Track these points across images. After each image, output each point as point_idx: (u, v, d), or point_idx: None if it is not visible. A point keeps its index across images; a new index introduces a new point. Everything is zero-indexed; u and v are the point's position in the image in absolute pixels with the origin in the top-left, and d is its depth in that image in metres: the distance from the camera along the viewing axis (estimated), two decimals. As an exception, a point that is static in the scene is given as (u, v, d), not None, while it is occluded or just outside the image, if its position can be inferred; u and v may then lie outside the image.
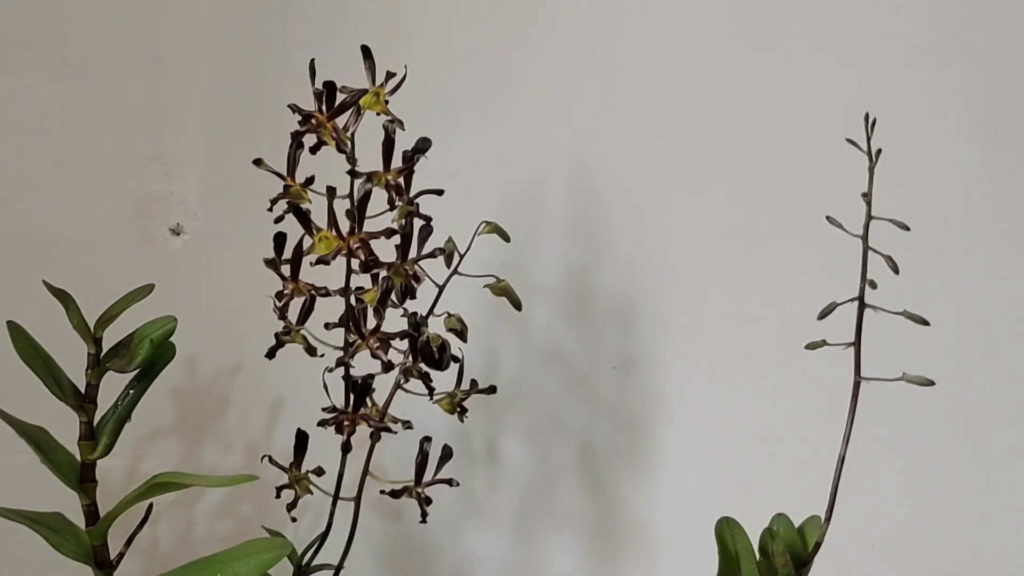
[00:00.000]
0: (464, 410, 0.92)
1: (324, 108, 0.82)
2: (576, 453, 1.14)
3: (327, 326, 0.89)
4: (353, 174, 0.83)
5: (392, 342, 0.84)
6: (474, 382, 0.92)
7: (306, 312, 0.89)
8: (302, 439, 0.92)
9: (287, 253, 0.87)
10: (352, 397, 0.88)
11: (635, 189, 1.09)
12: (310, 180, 0.84)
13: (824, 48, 1.03)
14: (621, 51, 1.09)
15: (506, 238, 0.89)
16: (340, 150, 0.83)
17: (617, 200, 1.10)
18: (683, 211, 1.08)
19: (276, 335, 0.89)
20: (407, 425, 0.90)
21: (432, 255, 0.86)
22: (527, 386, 1.14)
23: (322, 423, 0.88)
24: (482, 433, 1.15)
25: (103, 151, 1.16)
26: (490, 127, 1.13)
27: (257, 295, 0.89)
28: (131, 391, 0.82)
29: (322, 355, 0.88)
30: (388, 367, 0.83)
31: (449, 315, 0.87)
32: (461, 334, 0.88)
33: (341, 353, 0.87)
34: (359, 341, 0.84)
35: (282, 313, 0.87)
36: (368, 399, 0.91)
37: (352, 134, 0.83)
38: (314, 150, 0.84)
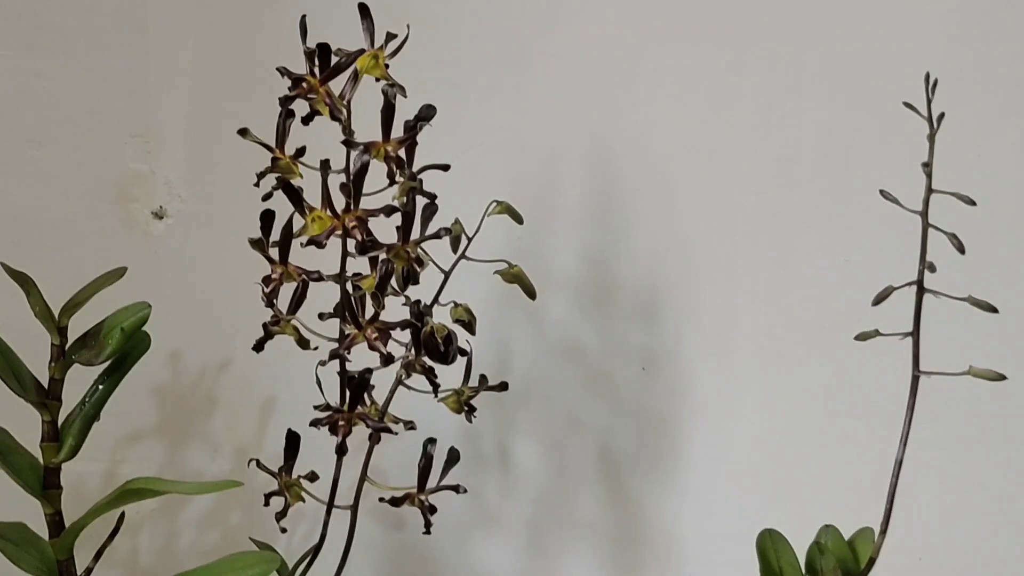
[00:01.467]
0: (472, 409, 0.89)
1: (317, 71, 0.78)
2: (595, 457, 1.12)
3: (321, 316, 0.85)
4: (349, 144, 0.79)
5: (392, 332, 0.81)
6: (483, 378, 0.90)
7: (298, 300, 0.86)
8: (293, 441, 0.89)
9: (276, 234, 0.83)
10: (348, 394, 0.84)
11: (659, 171, 1.06)
12: (300, 151, 0.81)
13: (864, 16, 0.99)
14: (643, 22, 1.07)
15: (519, 219, 0.86)
16: (334, 118, 0.79)
17: (640, 183, 1.07)
18: (712, 195, 1.05)
19: (264, 325, 0.85)
20: (409, 425, 0.88)
21: (437, 236, 0.82)
22: (542, 383, 1.12)
23: (315, 423, 0.84)
24: (492, 434, 1.14)
25: (79, 127, 1.15)
26: (502, 102, 1.11)
27: (247, 284, 0.86)
28: (100, 387, 0.79)
29: (315, 348, 0.85)
30: (388, 360, 0.79)
31: (456, 304, 0.85)
32: (469, 325, 0.85)
33: (336, 345, 0.84)
34: (355, 332, 0.80)
35: (269, 300, 0.82)
36: (366, 396, 0.89)
37: (348, 101, 0.79)
38: (306, 120, 0.80)
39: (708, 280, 1.06)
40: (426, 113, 0.81)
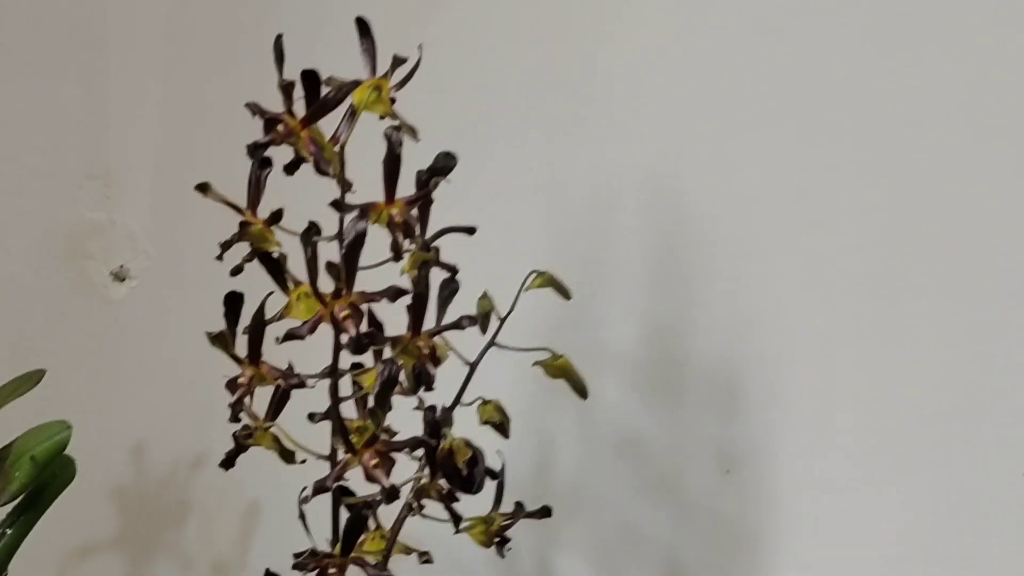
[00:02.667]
0: (505, 541, 0.82)
1: (299, 109, 0.72)
2: None
3: (312, 417, 0.80)
4: (341, 207, 0.72)
5: (398, 454, 0.73)
6: (520, 506, 0.82)
7: (277, 404, 0.78)
8: None
9: (246, 320, 0.76)
10: (340, 534, 0.75)
11: (738, 221, 1.02)
12: (276, 216, 0.73)
13: (988, 34, 0.94)
14: (716, 36, 1.03)
15: (565, 295, 0.81)
16: (321, 171, 0.71)
17: (714, 235, 1.03)
18: (804, 250, 1.00)
19: (235, 436, 0.79)
20: (424, 558, 0.82)
21: (458, 326, 0.75)
22: (592, 487, 1.08)
23: (298, 566, 0.75)
24: (531, 551, 1.09)
25: (22, 166, 1.13)
26: (539, 135, 1.10)
27: (228, 361, 0.79)
28: (7, 530, 0.73)
29: (303, 461, 0.80)
30: (392, 495, 0.71)
31: (484, 402, 0.78)
32: (501, 427, 0.79)
33: (327, 461, 0.77)
34: (349, 456, 0.72)
35: (235, 413, 0.74)
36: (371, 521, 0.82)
37: (342, 147, 0.73)
38: (290, 169, 0.74)
39: (800, 358, 1.01)
40: (444, 164, 0.75)
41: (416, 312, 0.74)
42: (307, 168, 0.75)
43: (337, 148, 0.73)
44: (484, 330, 0.80)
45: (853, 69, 0.99)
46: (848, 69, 1.00)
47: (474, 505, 0.81)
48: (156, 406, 1.13)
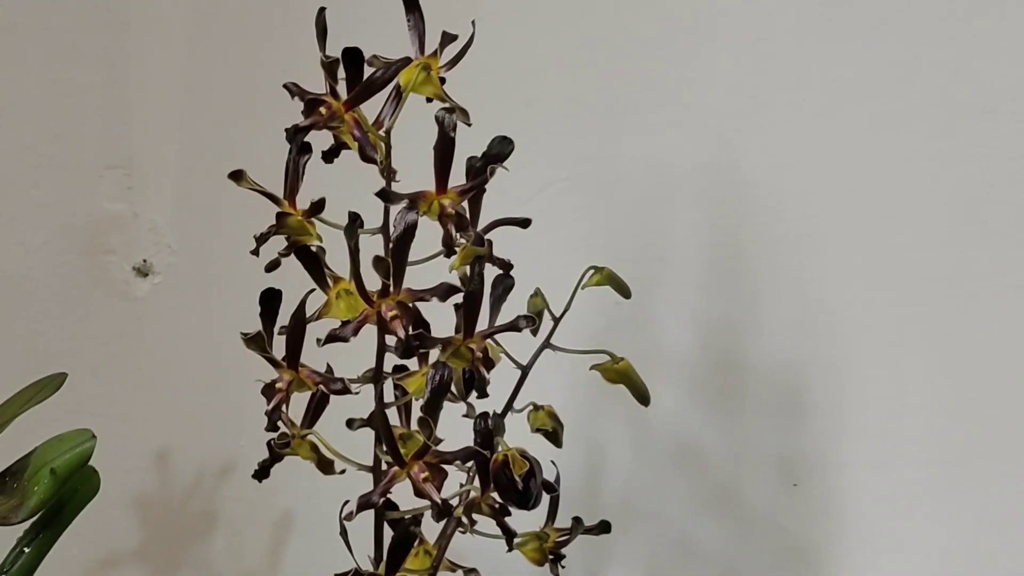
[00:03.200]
0: (560, 558, 0.80)
1: (342, 90, 0.70)
2: None
3: (350, 424, 0.77)
4: (388, 197, 0.69)
5: (450, 466, 0.71)
6: (578, 521, 0.80)
7: (315, 411, 0.77)
8: None
9: (285, 318, 0.72)
10: (385, 554, 0.72)
11: (805, 213, 1.01)
12: (318, 206, 0.71)
13: None
14: (779, 18, 1.02)
15: (625, 293, 0.80)
16: (366, 158, 0.69)
17: (779, 229, 1.02)
18: (874, 247, 1.00)
19: (269, 445, 0.76)
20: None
21: (514, 327, 0.72)
22: (645, 500, 1.07)
23: None
24: (582, 567, 1.06)
25: (39, 156, 1.11)
26: (591, 122, 1.07)
27: (260, 362, 0.75)
28: (25, 549, 0.69)
29: (342, 471, 0.77)
30: (444, 512, 0.68)
31: (535, 408, 0.77)
32: (554, 436, 0.78)
33: (368, 472, 0.74)
34: (396, 469, 0.69)
35: (272, 421, 0.71)
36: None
37: (387, 132, 0.70)
38: (329, 157, 0.73)
39: (869, 361, 1.01)
40: (500, 151, 0.72)
41: (469, 312, 0.71)
42: (344, 157, 0.74)
43: (382, 133, 0.70)
44: (536, 331, 0.77)
45: (931, 50, 0.99)
46: (926, 50, 0.99)
47: (524, 519, 0.77)
48: (181, 410, 1.12)
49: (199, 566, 1.15)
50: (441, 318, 0.76)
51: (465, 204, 0.72)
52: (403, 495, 0.74)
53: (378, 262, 0.67)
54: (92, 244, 1.12)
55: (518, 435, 0.75)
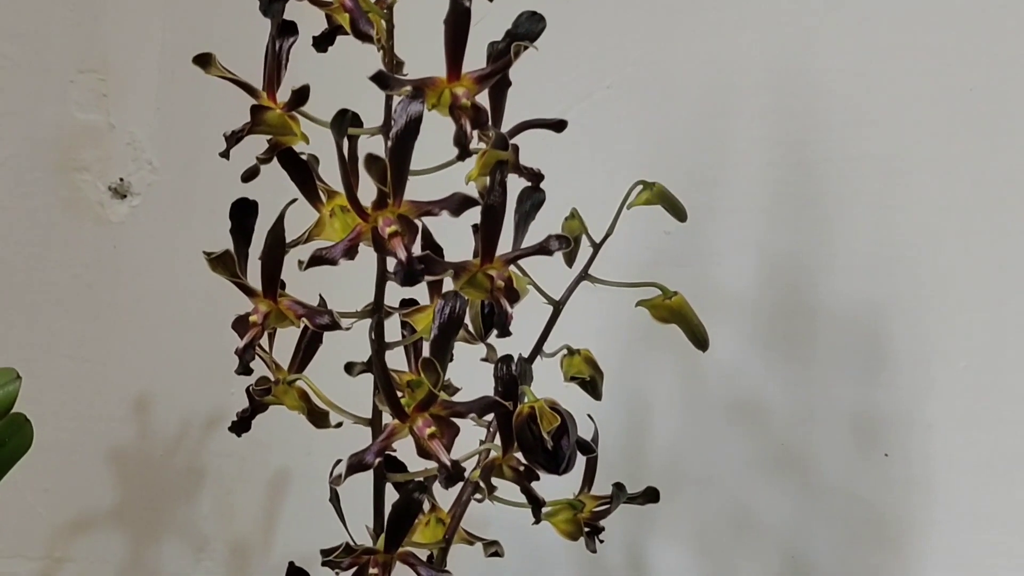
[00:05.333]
0: (597, 531, 0.77)
1: None
2: (778, 575, 1.04)
3: (349, 368, 0.74)
4: (387, 83, 0.62)
5: (462, 420, 0.65)
6: (619, 488, 0.76)
7: (304, 353, 0.73)
8: None
9: (260, 239, 0.68)
10: (385, 525, 0.67)
11: (886, 133, 0.98)
12: (301, 95, 0.65)
13: None
14: None
15: (680, 215, 0.77)
16: (360, 35, 0.64)
17: (856, 150, 0.98)
18: (969, 169, 0.96)
19: (249, 392, 0.72)
20: (493, 550, 0.75)
21: (544, 250, 0.66)
22: (695, 462, 1.05)
23: (330, 565, 0.67)
24: (621, 538, 1.04)
25: (4, 59, 1.09)
26: (637, 23, 1.05)
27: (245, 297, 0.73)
28: None
29: (338, 425, 0.73)
30: (453, 476, 0.63)
31: (570, 352, 0.74)
32: (592, 385, 0.76)
33: (367, 424, 0.70)
34: (396, 423, 0.64)
35: (243, 362, 0.66)
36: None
37: (390, 7, 0.65)
38: (322, 44, 0.69)
39: (961, 303, 0.97)
40: (528, 28, 0.66)
41: (488, 230, 0.66)
42: (343, 50, 0.69)
43: (384, 8, 0.65)
44: (570, 262, 0.75)
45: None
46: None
47: (554, 485, 0.73)
48: (163, 352, 1.10)
49: (183, 529, 1.15)
50: (457, 244, 0.71)
51: (486, 96, 0.66)
52: (408, 453, 0.69)
53: (372, 161, 0.61)
54: (62, 160, 1.11)
55: (548, 384, 0.71)
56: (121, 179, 1.11)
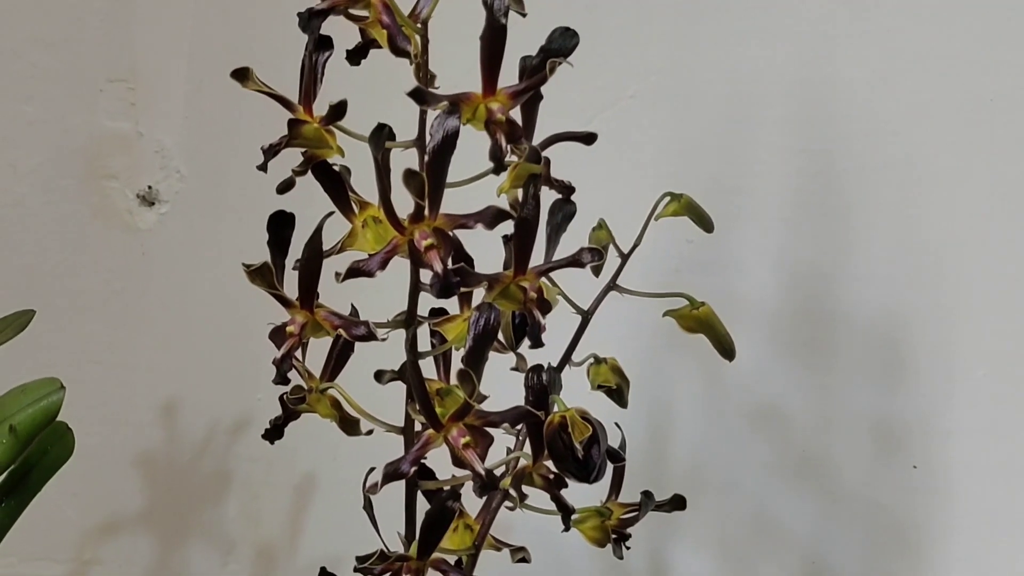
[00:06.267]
0: (624, 538, 0.78)
1: None
2: None
3: (379, 376, 0.74)
4: (423, 98, 0.62)
5: (495, 429, 0.66)
6: (647, 496, 0.76)
7: (336, 361, 0.74)
8: None
9: (297, 251, 0.68)
10: (418, 532, 0.67)
11: (908, 141, 0.99)
12: (338, 110, 0.65)
13: None
14: None
15: (707, 226, 0.77)
16: (397, 51, 0.64)
17: (877, 159, 0.99)
18: (990, 177, 0.98)
19: (283, 400, 0.73)
20: (520, 556, 0.76)
21: (576, 262, 0.67)
22: (718, 468, 1.05)
23: (363, 572, 0.68)
24: (644, 543, 1.04)
25: (33, 67, 1.09)
26: (661, 33, 1.05)
27: (277, 306, 0.71)
28: None
29: (369, 432, 0.74)
30: (488, 484, 0.63)
31: (597, 360, 0.76)
32: (618, 394, 0.77)
33: (399, 432, 0.71)
34: (431, 433, 0.64)
35: (281, 372, 0.67)
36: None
37: (424, 23, 0.65)
38: (355, 58, 0.69)
39: (982, 311, 0.99)
40: (562, 43, 0.66)
41: (522, 242, 0.66)
42: (374, 62, 0.69)
43: (418, 23, 0.65)
44: (597, 271, 0.74)
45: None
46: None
47: (580, 493, 0.74)
48: (191, 358, 1.11)
49: (210, 533, 1.15)
50: (486, 255, 0.72)
51: (517, 111, 0.66)
52: (441, 461, 0.70)
53: (410, 176, 0.61)
54: (91, 168, 1.11)
55: (573, 392, 0.71)
56: (149, 187, 1.12)
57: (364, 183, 0.69)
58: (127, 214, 1.12)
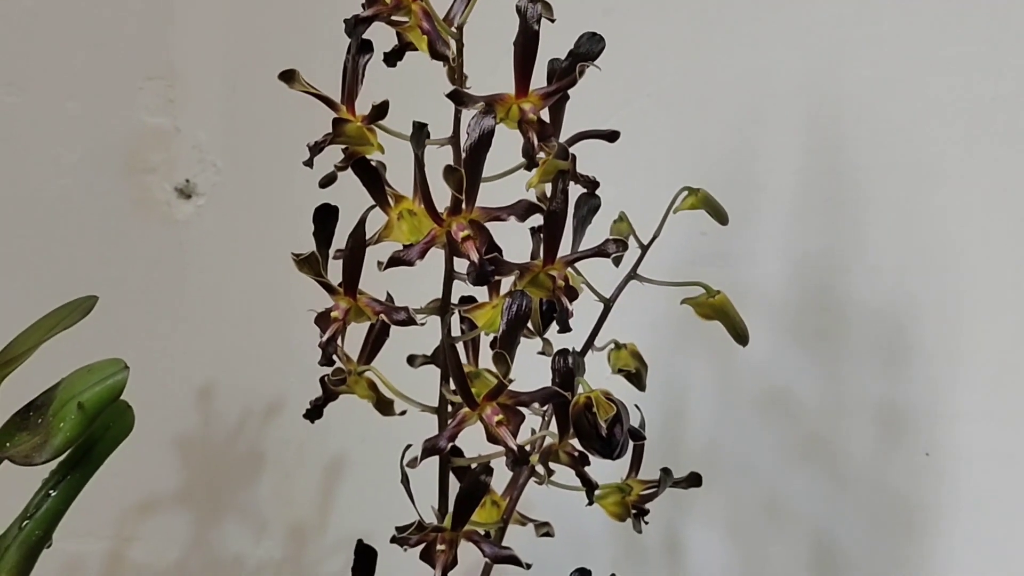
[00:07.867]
0: (643, 513, 0.79)
1: None
2: (808, 560, 1.04)
3: (412, 360, 0.77)
4: (461, 99, 0.65)
5: (527, 408, 0.68)
6: (666, 473, 0.78)
7: (373, 345, 0.75)
8: (365, 559, 0.75)
9: (340, 241, 0.71)
10: (453, 506, 0.70)
11: (912, 140, 0.98)
12: (380, 110, 0.67)
13: None
14: None
15: (722, 218, 0.79)
16: (436, 55, 0.65)
17: (884, 157, 0.99)
18: (991, 175, 0.97)
19: (323, 381, 0.75)
20: (544, 531, 0.80)
21: (602, 252, 0.69)
22: (730, 451, 1.06)
23: (400, 541, 0.70)
24: (659, 523, 1.02)
25: (74, 65, 1.09)
26: (676, 35, 1.06)
27: (311, 291, 0.73)
28: (51, 493, 0.66)
29: (403, 413, 0.76)
30: (519, 459, 0.65)
31: (617, 346, 0.77)
32: (637, 378, 0.79)
33: (432, 413, 0.72)
34: (465, 411, 0.66)
35: (326, 354, 0.69)
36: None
37: (460, 28, 0.67)
38: (392, 59, 0.70)
39: (984, 302, 0.98)
40: (589, 48, 0.68)
41: (551, 234, 0.68)
42: (408, 65, 0.70)
43: (454, 28, 0.67)
44: (617, 262, 0.75)
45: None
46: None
47: (599, 470, 0.76)
48: (226, 343, 1.12)
49: (243, 512, 1.15)
50: (511, 246, 0.72)
51: (546, 111, 0.68)
52: (465, 440, 0.72)
53: (450, 172, 0.64)
54: (131, 162, 1.12)
55: (594, 377, 0.72)
56: (187, 180, 1.13)
57: (398, 177, 0.71)
58: (165, 206, 1.13)
